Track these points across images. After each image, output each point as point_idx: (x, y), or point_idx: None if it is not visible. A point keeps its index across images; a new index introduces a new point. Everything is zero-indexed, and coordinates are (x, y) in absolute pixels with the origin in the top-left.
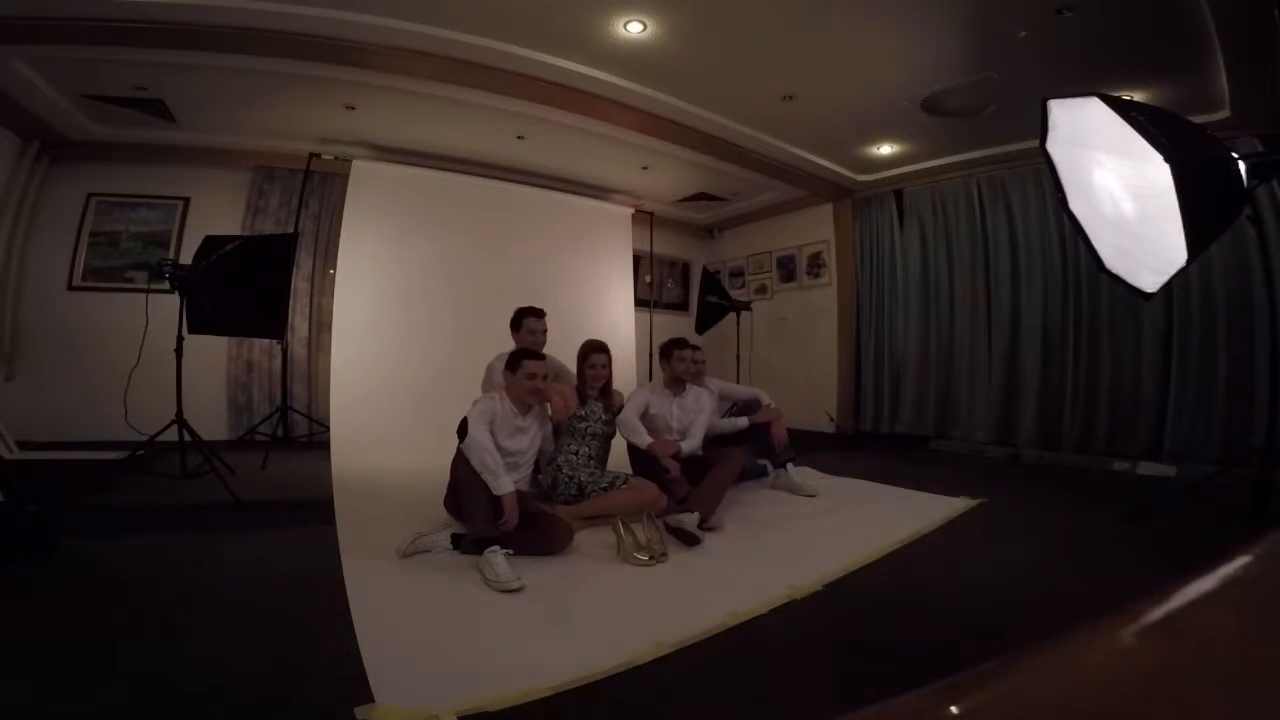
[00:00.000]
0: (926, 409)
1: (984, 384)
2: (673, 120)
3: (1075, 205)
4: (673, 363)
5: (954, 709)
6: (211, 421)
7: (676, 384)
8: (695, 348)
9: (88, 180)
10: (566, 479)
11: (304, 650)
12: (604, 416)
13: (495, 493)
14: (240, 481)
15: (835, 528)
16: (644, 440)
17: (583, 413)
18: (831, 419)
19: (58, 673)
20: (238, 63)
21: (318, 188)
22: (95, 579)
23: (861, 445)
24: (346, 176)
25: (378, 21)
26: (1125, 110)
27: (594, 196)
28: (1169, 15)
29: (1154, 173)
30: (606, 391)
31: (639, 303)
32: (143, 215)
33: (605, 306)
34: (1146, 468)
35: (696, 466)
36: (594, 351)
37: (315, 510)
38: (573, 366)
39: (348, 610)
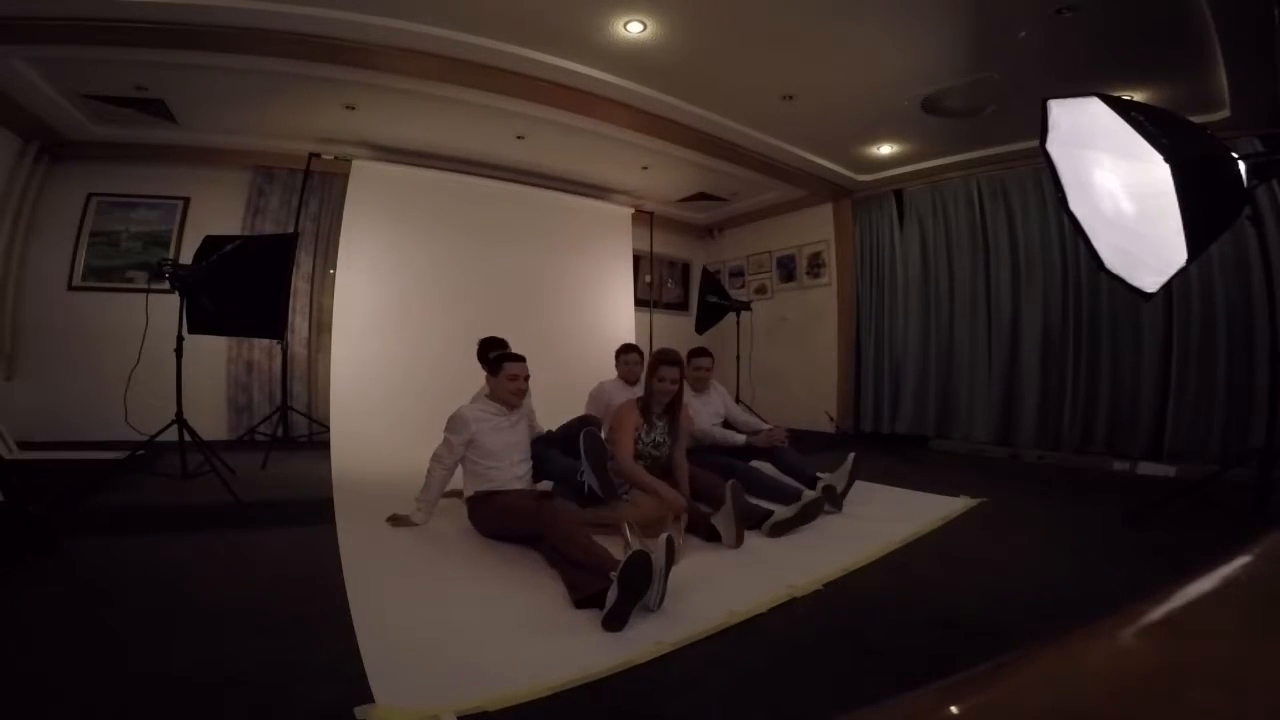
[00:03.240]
0: (926, 409)
1: (984, 384)
2: (673, 120)
3: (1075, 205)
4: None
5: (954, 709)
6: (211, 421)
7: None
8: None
9: (88, 180)
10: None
11: (304, 650)
12: (666, 439)
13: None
14: (240, 481)
15: (835, 528)
16: (739, 438)
17: (652, 438)
18: (831, 419)
19: (58, 673)
20: (238, 63)
21: (318, 188)
22: (95, 579)
23: (861, 445)
24: (346, 176)
25: (378, 21)
26: (1125, 110)
27: (594, 196)
28: (1169, 15)
29: (1154, 173)
30: (675, 407)
31: (639, 303)
32: (143, 215)
33: (605, 306)
34: (1146, 468)
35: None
36: (665, 364)
37: (315, 510)
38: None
39: (348, 610)
